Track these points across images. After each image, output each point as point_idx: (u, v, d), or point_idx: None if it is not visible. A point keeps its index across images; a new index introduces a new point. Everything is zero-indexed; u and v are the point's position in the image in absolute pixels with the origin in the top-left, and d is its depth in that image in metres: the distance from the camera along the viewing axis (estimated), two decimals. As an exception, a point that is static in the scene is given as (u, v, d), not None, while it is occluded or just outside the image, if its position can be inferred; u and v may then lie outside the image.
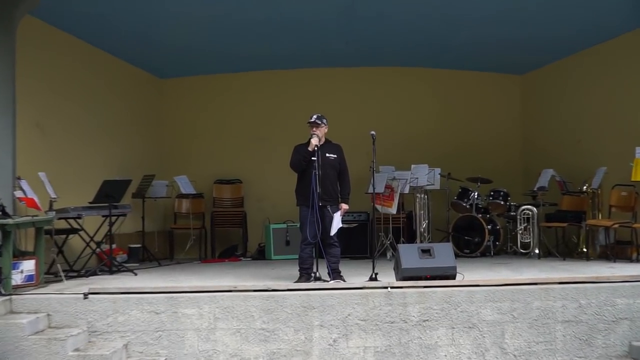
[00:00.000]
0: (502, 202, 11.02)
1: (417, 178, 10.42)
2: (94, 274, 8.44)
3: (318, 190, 7.52)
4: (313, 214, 7.54)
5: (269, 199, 12.09)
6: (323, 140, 7.83)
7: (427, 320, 6.81)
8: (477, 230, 10.73)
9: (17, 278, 6.97)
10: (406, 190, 10.50)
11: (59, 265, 7.74)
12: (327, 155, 7.77)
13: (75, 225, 8.57)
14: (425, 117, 12.42)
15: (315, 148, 7.65)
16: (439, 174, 10.79)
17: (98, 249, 8.93)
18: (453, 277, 7.14)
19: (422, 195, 10.53)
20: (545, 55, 11.17)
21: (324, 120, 7.83)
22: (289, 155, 7.89)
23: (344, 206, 7.83)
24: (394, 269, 7.48)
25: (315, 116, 7.82)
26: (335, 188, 7.83)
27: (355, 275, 8.22)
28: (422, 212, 10.44)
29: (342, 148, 7.96)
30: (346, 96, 12.34)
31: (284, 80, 12.29)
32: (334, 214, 7.64)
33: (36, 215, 7.53)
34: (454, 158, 11.99)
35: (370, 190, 8.80)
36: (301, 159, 7.69)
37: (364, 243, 11.00)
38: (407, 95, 12.46)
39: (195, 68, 11.91)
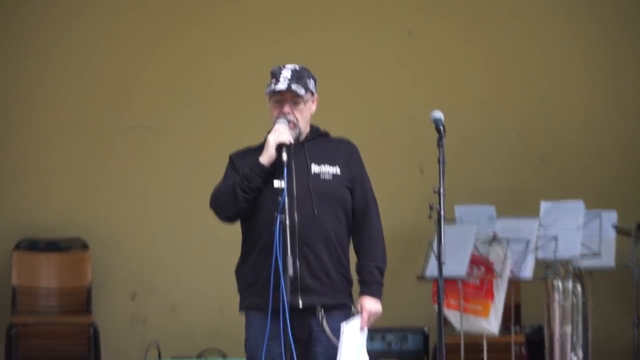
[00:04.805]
0: None
1: (555, 237, 10.57)
2: None
3: (290, 271, 7.37)
4: (277, 332, 7.40)
5: (159, 292, 12.39)
6: (307, 131, 7.75)
7: None
8: None
9: None
10: (527, 272, 10.67)
11: None
12: (316, 170, 7.71)
13: None
14: (571, 71, 12.78)
15: (284, 151, 7.48)
16: (614, 226, 11.01)
17: None
18: None
19: (571, 284, 10.65)
20: None
21: (312, 84, 7.77)
22: (212, 172, 7.86)
23: (370, 307, 7.69)
24: None
25: (289, 71, 7.70)
26: (339, 258, 7.71)
27: None
28: (571, 327, 10.57)
29: (359, 150, 7.89)
30: (363, 29, 12.63)
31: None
32: (340, 331, 7.50)
33: None
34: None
35: (432, 271, 8.80)
36: (241, 184, 7.58)
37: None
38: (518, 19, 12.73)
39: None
